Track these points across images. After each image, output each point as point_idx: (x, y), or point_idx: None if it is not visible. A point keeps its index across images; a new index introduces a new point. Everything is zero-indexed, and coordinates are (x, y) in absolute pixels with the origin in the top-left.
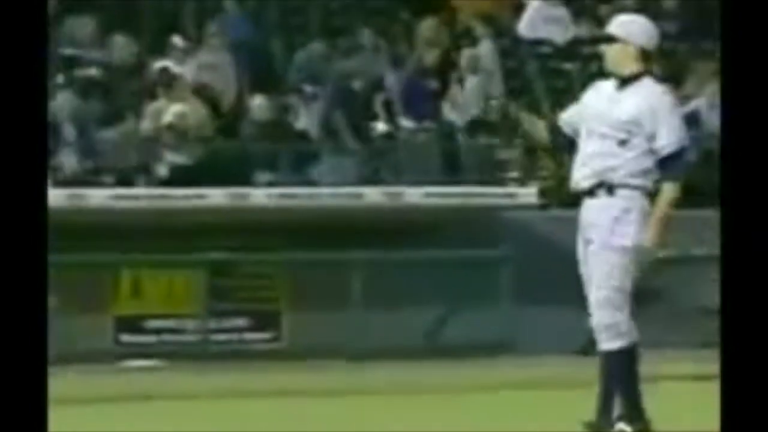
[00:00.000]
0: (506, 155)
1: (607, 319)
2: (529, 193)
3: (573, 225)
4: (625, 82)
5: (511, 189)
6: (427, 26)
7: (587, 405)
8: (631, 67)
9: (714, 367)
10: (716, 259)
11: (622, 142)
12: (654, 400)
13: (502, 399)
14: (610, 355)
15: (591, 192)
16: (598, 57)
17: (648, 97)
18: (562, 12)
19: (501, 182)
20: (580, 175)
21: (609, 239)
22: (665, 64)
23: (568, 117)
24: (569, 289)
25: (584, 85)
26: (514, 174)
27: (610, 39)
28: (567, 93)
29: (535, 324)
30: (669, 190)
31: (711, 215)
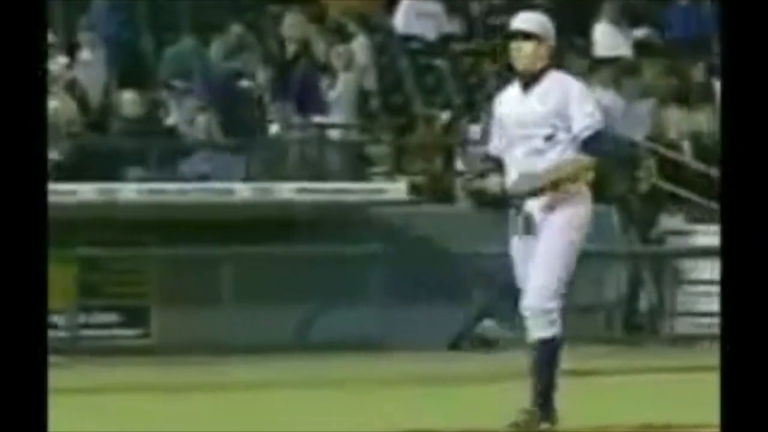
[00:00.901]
0: (376, 151)
1: (544, 306)
2: (398, 189)
3: (443, 220)
4: (534, 78)
5: (381, 185)
6: (291, 22)
7: (458, 399)
8: (542, 63)
9: (590, 362)
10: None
11: (548, 138)
12: (515, 396)
13: (372, 395)
14: (542, 344)
15: (532, 192)
16: (469, 53)
17: (560, 87)
18: (436, 8)
19: (370, 178)
20: (515, 179)
21: (559, 232)
22: None
23: (495, 144)
24: (440, 284)
25: (455, 81)
26: (384, 169)
27: (527, 36)
28: (437, 89)
29: (405, 320)
30: (584, 158)
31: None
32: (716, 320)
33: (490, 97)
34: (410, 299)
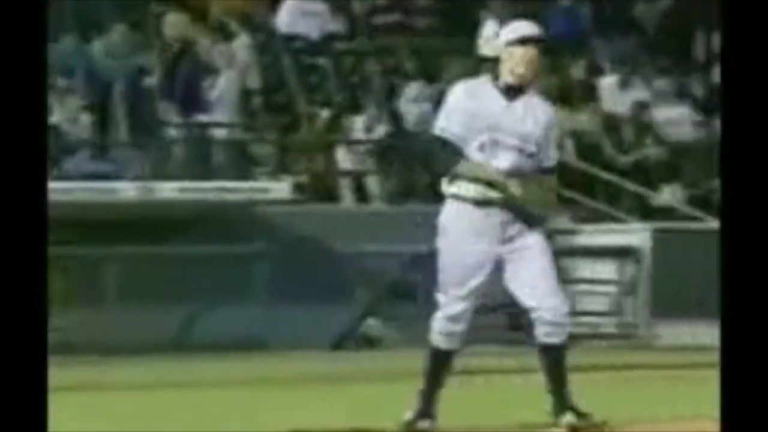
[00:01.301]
0: (260, 150)
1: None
2: (281, 188)
3: (327, 219)
4: (520, 89)
5: (264, 184)
6: (173, 21)
7: (342, 399)
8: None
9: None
10: None
11: (531, 155)
12: (400, 395)
13: (256, 395)
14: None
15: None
16: (352, 53)
17: (545, 109)
18: (319, 7)
19: (254, 177)
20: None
21: (544, 247)
22: (419, 60)
23: (454, 126)
24: (324, 283)
25: (338, 79)
26: (268, 168)
27: (537, 42)
28: (320, 88)
29: (289, 319)
30: None
31: None
32: (599, 319)
33: (371, 95)
34: (294, 299)
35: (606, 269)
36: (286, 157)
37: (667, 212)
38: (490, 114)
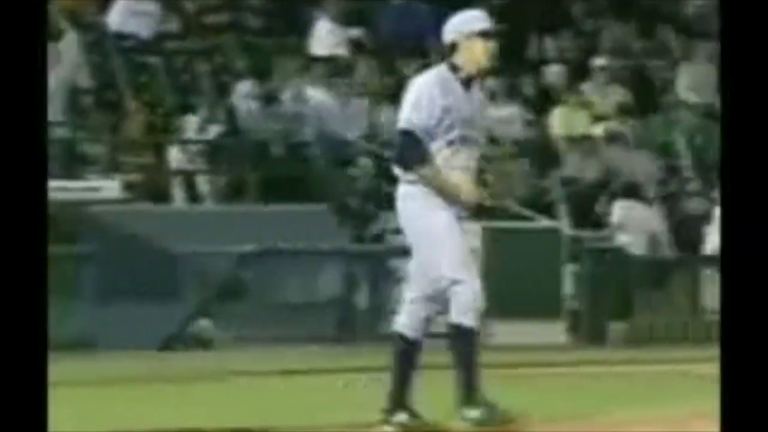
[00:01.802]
0: (90, 149)
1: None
2: (112, 187)
3: (158, 219)
4: (471, 81)
5: (95, 183)
6: None
7: (171, 399)
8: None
9: (304, 361)
10: (307, 254)
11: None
12: (230, 396)
13: (85, 395)
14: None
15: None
16: (183, 52)
17: (483, 101)
18: (150, 7)
19: (85, 176)
20: (473, 189)
21: None
22: (250, 59)
23: (423, 120)
24: (154, 284)
25: (169, 78)
26: (98, 167)
27: (486, 35)
28: (151, 87)
29: (119, 319)
30: None
31: (296, 209)
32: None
33: (203, 94)
34: (124, 299)
35: None
36: (117, 156)
37: (499, 212)
38: (459, 108)
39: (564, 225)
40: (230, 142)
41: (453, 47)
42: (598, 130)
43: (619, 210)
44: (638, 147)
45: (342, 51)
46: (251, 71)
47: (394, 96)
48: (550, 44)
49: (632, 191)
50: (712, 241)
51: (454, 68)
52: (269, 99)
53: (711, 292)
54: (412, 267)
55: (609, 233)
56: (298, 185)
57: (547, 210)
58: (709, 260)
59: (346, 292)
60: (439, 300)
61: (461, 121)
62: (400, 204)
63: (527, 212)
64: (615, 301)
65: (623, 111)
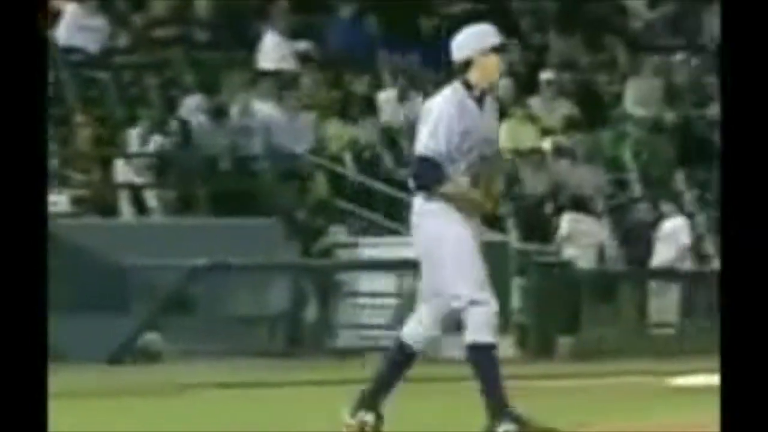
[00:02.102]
0: None
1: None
2: (60, 201)
3: (104, 232)
4: (484, 96)
5: None
6: None
7: (117, 413)
8: None
9: (252, 375)
10: (255, 269)
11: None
12: (178, 409)
13: None
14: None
15: None
16: (131, 66)
17: (496, 111)
18: (99, 21)
19: None
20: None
21: None
22: (198, 73)
23: (442, 145)
24: (103, 297)
25: (117, 93)
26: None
27: (499, 49)
28: (99, 101)
29: (66, 332)
30: None
31: (245, 223)
32: (380, 332)
33: (151, 108)
34: (73, 312)
35: (386, 282)
36: (65, 170)
37: None
38: (477, 130)
39: (512, 239)
40: (179, 156)
41: (467, 64)
42: (546, 143)
43: (567, 223)
44: (586, 160)
45: (289, 65)
46: (199, 85)
47: (341, 110)
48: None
49: (580, 204)
50: (659, 253)
51: (468, 86)
52: (217, 113)
53: (658, 305)
54: (425, 282)
55: (557, 247)
56: (247, 199)
57: (495, 224)
58: (656, 273)
59: (294, 307)
60: (451, 318)
61: (479, 141)
62: (416, 219)
63: None
64: (562, 315)
65: (570, 125)
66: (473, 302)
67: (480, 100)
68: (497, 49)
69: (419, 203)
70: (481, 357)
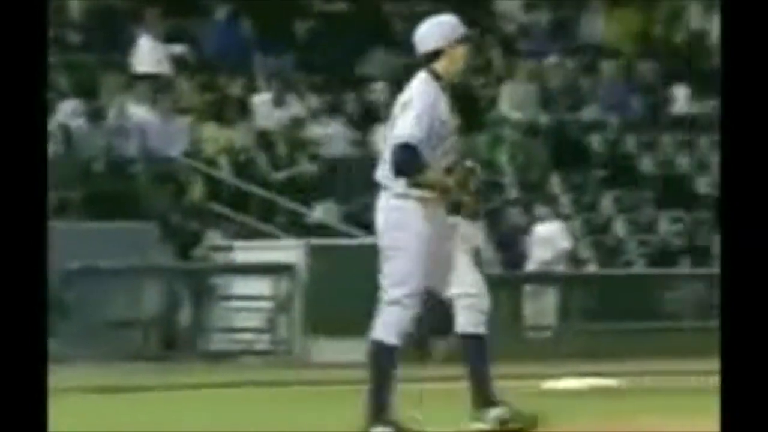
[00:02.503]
0: None
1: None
2: None
3: None
4: (445, 87)
5: None
6: None
7: None
8: None
9: (128, 379)
10: (130, 272)
11: None
12: (63, 413)
13: None
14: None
15: None
16: None
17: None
18: None
19: None
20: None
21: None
22: (72, 76)
23: (423, 132)
24: None
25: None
26: None
27: (466, 40)
28: None
29: None
30: None
31: (119, 226)
32: (254, 336)
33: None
34: None
35: (260, 286)
36: None
37: (321, 229)
38: (449, 118)
39: None
40: (53, 159)
41: (437, 54)
42: None
43: None
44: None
45: (164, 68)
46: (74, 88)
47: (215, 113)
48: (374, 61)
49: (455, 207)
50: (534, 257)
51: (437, 76)
52: (92, 115)
53: (534, 309)
54: (393, 275)
55: None
56: (121, 202)
57: (373, 227)
58: (532, 277)
59: (168, 310)
60: (428, 310)
61: (452, 131)
62: (389, 215)
63: (351, 230)
64: (436, 318)
65: None
66: (468, 295)
67: (445, 90)
68: (465, 40)
69: (389, 200)
70: (478, 349)
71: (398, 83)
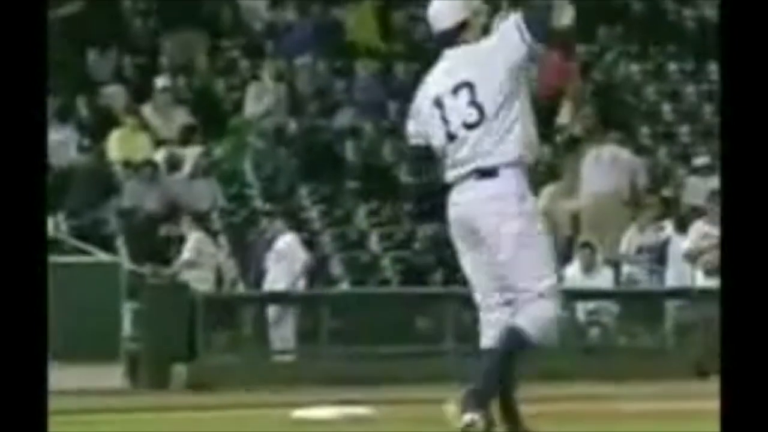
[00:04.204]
0: None
1: None
2: None
3: None
4: None
5: None
6: None
7: None
8: None
9: None
10: None
11: None
12: None
13: None
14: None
15: None
16: None
17: None
18: None
19: None
20: None
21: None
22: None
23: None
24: None
25: None
26: None
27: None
28: None
29: None
30: None
31: None
32: None
33: None
34: None
35: None
36: None
37: (49, 245)
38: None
39: (123, 259)
40: None
41: (463, 26)
42: (160, 155)
43: (194, 243)
44: (203, 174)
45: None
46: None
47: None
48: (106, 63)
49: (197, 221)
50: (273, 274)
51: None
52: None
53: (280, 332)
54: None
55: (177, 268)
56: None
57: (105, 242)
58: (273, 297)
59: None
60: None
61: None
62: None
63: (83, 245)
64: (178, 342)
65: (187, 134)
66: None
67: None
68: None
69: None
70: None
71: (134, 86)
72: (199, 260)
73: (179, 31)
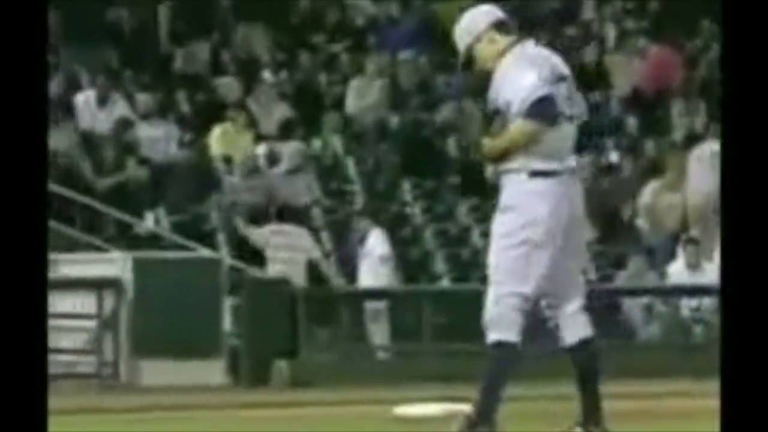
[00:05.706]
0: None
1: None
2: None
3: None
4: None
5: None
6: None
7: None
8: None
9: None
10: None
11: None
12: None
13: None
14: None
15: None
16: None
17: None
18: None
19: None
20: None
21: None
22: None
23: None
24: None
25: None
26: None
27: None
28: None
29: None
30: None
31: None
32: (76, 358)
33: None
34: None
35: (84, 302)
36: None
37: (150, 240)
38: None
39: (224, 255)
40: None
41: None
42: (261, 150)
43: (262, 235)
44: (303, 169)
45: None
46: None
47: None
48: (206, 57)
49: (289, 215)
50: (367, 270)
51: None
52: None
53: (377, 328)
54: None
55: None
56: None
57: (205, 238)
58: (369, 293)
59: None
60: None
61: None
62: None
63: (183, 241)
64: (279, 338)
65: (286, 129)
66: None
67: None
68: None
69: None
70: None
71: (237, 80)
72: (277, 252)
73: (281, 26)
